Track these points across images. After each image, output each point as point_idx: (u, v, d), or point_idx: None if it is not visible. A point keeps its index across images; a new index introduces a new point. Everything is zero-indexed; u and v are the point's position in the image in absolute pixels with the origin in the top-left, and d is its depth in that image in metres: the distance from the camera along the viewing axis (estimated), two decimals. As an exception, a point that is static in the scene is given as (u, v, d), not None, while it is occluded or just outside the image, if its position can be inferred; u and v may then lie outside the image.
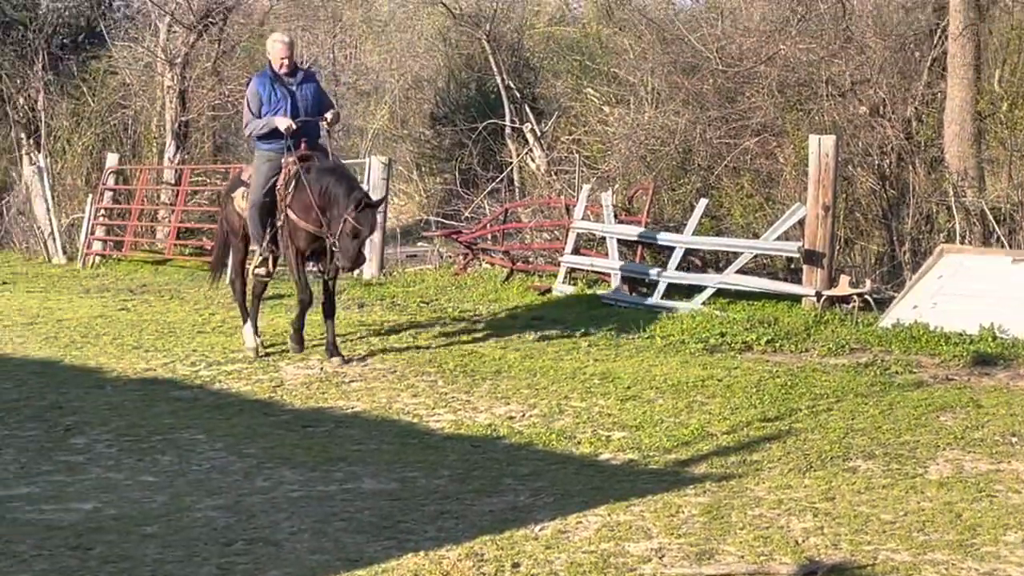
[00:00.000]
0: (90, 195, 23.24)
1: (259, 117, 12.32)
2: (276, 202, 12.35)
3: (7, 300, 17.38)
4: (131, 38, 26.83)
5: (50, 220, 23.72)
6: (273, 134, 12.29)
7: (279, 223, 12.37)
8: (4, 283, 19.72)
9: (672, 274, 14.89)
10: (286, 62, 12.40)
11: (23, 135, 27.83)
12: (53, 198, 24.05)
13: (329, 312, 12.49)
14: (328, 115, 12.46)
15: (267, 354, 12.63)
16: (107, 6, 28.62)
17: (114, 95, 26.28)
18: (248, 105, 12.54)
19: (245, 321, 13.15)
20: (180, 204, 22.27)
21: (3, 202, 26.40)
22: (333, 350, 12.33)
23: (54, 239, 23.54)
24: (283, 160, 12.30)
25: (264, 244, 12.55)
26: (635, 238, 15.62)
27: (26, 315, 15.81)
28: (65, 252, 23.33)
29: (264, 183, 12.39)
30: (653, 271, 15.20)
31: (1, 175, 29.02)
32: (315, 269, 13.01)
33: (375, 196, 18.79)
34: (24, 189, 25.13)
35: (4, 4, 28.27)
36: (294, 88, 12.36)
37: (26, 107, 27.87)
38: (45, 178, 24.11)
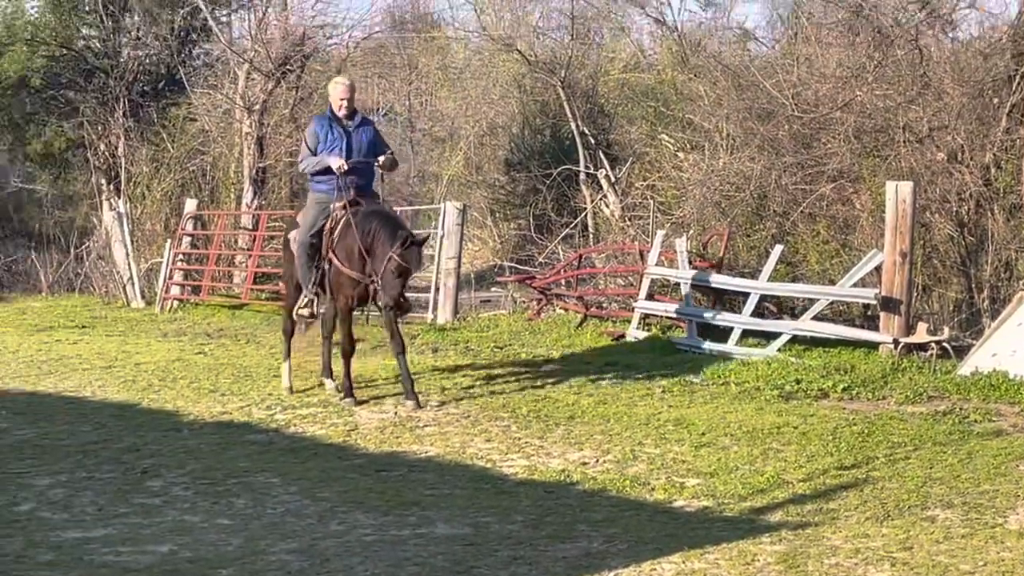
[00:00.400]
0: (168, 240, 23.49)
1: (314, 152, 12.60)
2: (322, 245, 12.57)
3: (86, 344, 17.59)
4: (210, 85, 27.18)
5: (129, 265, 23.99)
6: (326, 173, 12.53)
7: (326, 266, 12.58)
8: (83, 327, 19.96)
9: (747, 320, 14.81)
10: (345, 103, 12.69)
11: (103, 181, 28.22)
12: (132, 243, 24.34)
13: (399, 349, 12.42)
14: (381, 158, 12.59)
15: (360, 400, 12.65)
16: (187, 54, 29.05)
17: (193, 141, 26.60)
18: (305, 143, 12.88)
19: (285, 359, 13.40)
20: (257, 249, 22.47)
21: (83, 247, 26.76)
22: (409, 393, 12.26)
23: (133, 284, 23.79)
24: (332, 205, 12.52)
25: (310, 285, 12.74)
26: (710, 284, 15.56)
27: (105, 359, 15.99)
28: (143, 296, 23.57)
29: (312, 224, 12.63)
30: (728, 317, 15.12)
31: (82, 220, 29.44)
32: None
33: (449, 243, 18.97)
34: (104, 234, 25.45)
35: (86, 52, 28.77)
36: (351, 130, 12.64)
37: (107, 153, 28.29)
38: (125, 223, 24.41)
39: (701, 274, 15.60)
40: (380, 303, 12.20)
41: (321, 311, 13.24)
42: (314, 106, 26.51)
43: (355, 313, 13.56)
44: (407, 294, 12.66)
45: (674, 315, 15.77)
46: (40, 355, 16.59)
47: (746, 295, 15.12)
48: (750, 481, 9.09)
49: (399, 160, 13.76)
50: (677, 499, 8.77)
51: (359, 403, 12.41)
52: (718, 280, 15.43)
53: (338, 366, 12.99)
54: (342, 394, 12.65)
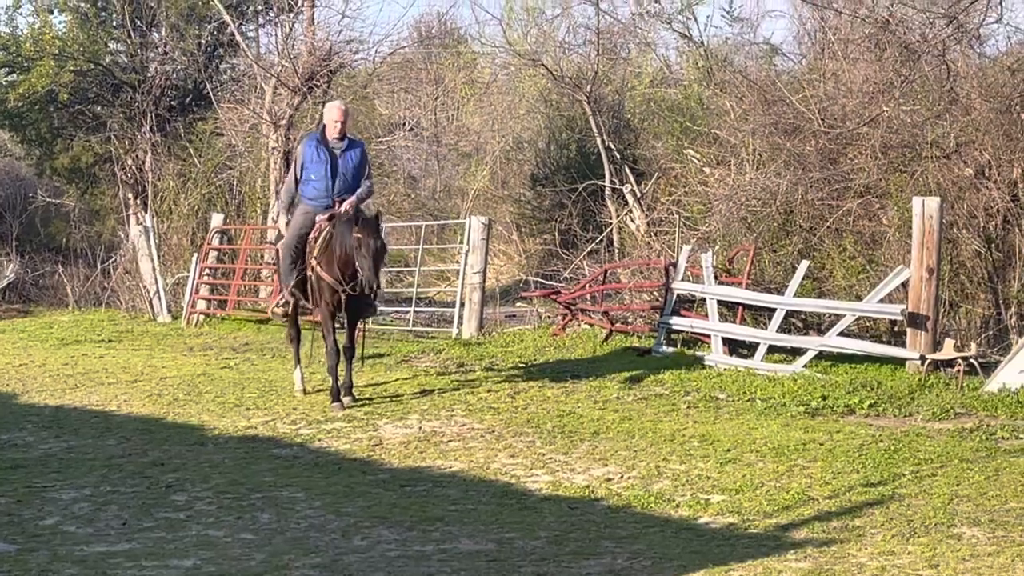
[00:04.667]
0: (195, 255, 23.55)
1: (300, 176, 13.36)
2: (306, 252, 13.27)
3: (112, 358, 17.65)
4: (237, 100, 27.25)
5: (155, 279, 24.06)
6: (316, 190, 13.24)
7: (309, 273, 13.27)
8: (110, 341, 20.03)
9: (773, 336, 14.76)
10: (339, 126, 13.29)
11: (130, 195, 28.35)
12: (159, 257, 24.41)
13: (348, 355, 13.30)
14: (347, 204, 13.10)
15: (361, 406, 12.69)
16: (214, 69, 29.17)
17: (219, 156, 26.70)
18: (293, 163, 13.64)
19: (296, 365, 14.19)
20: (283, 264, 22.49)
21: (110, 261, 26.85)
22: (346, 390, 13.21)
23: (159, 298, 23.86)
24: (317, 217, 13.21)
25: (289, 285, 13.54)
26: (735, 299, 15.52)
27: (130, 372, 16.04)
28: (170, 311, 23.63)
29: (298, 231, 13.35)
30: (754, 333, 15.07)
31: (109, 235, 29.57)
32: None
33: (474, 257, 18.99)
34: (131, 248, 25.53)
35: (114, 67, 28.91)
36: (338, 153, 13.26)
37: (134, 168, 28.42)
38: (151, 238, 24.49)
39: (726, 289, 15.56)
40: (362, 283, 12.76)
41: (308, 319, 14.26)
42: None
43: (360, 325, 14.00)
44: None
45: (700, 330, 15.73)
46: (66, 369, 16.66)
47: (772, 311, 15.07)
48: (776, 498, 9.05)
49: (373, 190, 14.36)
50: (702, 516, 8.74)
51: (345, 408, 12.94)
52: (744, 295, 15.38)
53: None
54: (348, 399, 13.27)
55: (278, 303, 14.02)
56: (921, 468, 9.86)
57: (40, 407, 13.75)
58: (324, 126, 13.42)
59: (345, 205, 13.02)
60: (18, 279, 28.95)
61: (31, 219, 32.18)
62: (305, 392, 13.91)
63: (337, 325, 13.55)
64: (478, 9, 70.23)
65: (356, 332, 13.56)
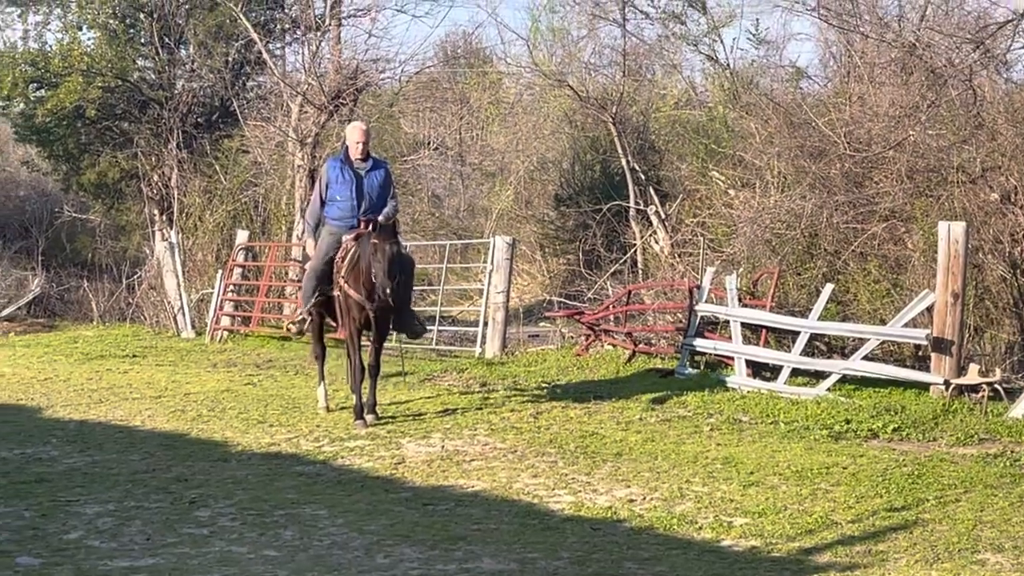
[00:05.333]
0: (220, 271, 23.63)
1: (324, 196, 13.40)
2: (332, 273, 13.32)
3: (136, 373, 17.71)
4: (263, 118, 27.35)
5: (180, 295, 24.14)
6: (341, 210, 13.29)
7: (336, 293, 13.29)
8: (134, 356, 20.10)
9: (797, 359, 14.74)
10: (360, 147, 13.34)
11: (156, 211, 28.47)
12: (183, 273, 24.50)
13: (373, 373, 13.36)
14: (381, 215, 13.18)
15: (384, 425, 12.71)
16: (241, 86, 29.28)
17: (245, 173, 26.80)
18: (318, 184, 13.64)
19: (320, 382, 14.25)
20: (307, 281, 22.52)
21: (135, 277, 26.95)
22: (370, 408, 13.27)
23: (183, 314, 23.94)
24: (344, 238, 13.27)
25: (308, 304, 13.65)
26: (759, 322, 15.50)
27: (155, 388, 16.09)
28: (194, 327, 23.70)
29: (325, 253, 13.41)
30: (778, 355, 15.05)
31: (134, 250, 29.68)
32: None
33: (498, 277, 19.01)
34: (156, 264, 25.63)
35: (141, 84, 29.05)
36: (362, 173, 13.32)
37: (160, 184, 28.54)
38: (176, 254, 24.58)
39: (750, 311, 15.55)
40: (380, 294, 12.73)
41: (334, 336, 14.27)
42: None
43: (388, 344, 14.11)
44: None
45: (723, 352, 15.72)
46: (91, 384, 16.72)
47: (796, 333, 15.05)
48: (799, 521, 9.03)
49: (399, 208, 14.38)
50: (725, 538, 8.73)
51: (368, 426, 12.98)
52: (768, 318, 15.37)
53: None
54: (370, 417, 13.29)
55: (294, 320, 14.11)
56: (945, 493, 9.83)
57: (65, 421, 13.81)
58: (347, 147, 13.47)
59: (379, 220, 13.05)
60: (44, 293, 29.07)
61: (57, 234, 32.32)
62: (328, 409, 13.96)
63: (364, 343, 13.61)
64: (504, 29, 70.68)
65: (382, 350, 13.59)
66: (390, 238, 12.76)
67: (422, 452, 11.75)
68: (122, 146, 29.28)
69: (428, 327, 17.81)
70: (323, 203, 13.46)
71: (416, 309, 14.66)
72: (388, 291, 12.58)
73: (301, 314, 13.92)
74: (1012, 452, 11.27)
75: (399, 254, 12.90)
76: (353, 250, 13.05)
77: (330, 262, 13.32)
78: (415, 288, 15.31)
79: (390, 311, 13.11)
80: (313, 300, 13.54)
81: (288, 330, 14.54)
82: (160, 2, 28.65)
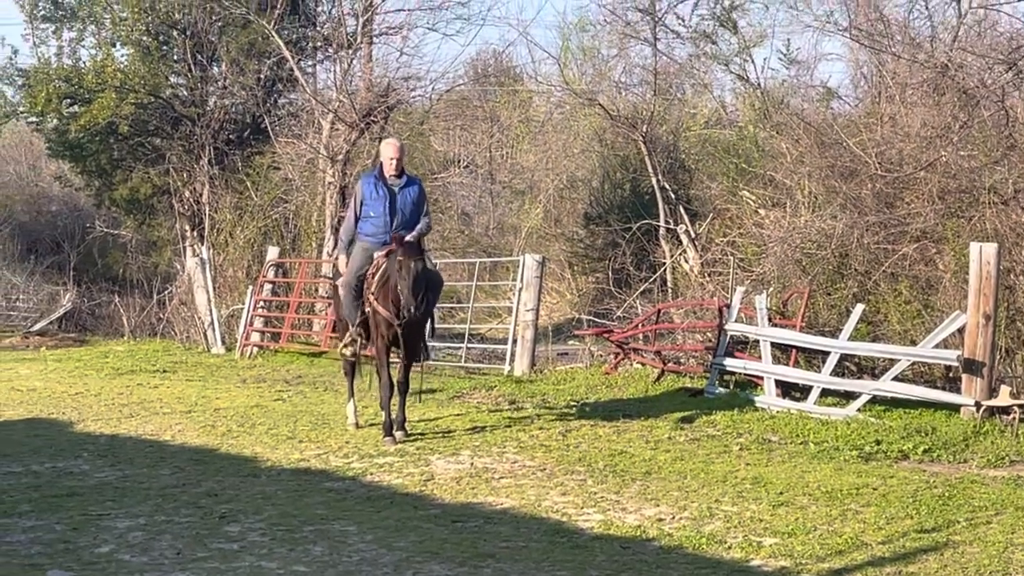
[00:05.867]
0: (250, 287, 23.71)
1: (359, 212, 13.44)
2: (364, 289, 13.35)
3: (167, 388, 17.79)
4: (295, 135, 27.50)
5: (210, 311, 24.25)
6: (374, 226, 13.31)
7: (367, 309, 13.35)
8: (164, 372, 20.19)
9: (827, 379, 14.70)
10: (394, 162, 13.40)
11: (187, 227, 28.63)
12: (214, 289, 24.61)
13: (402, 390, 13.33)
14: (414, 232, 13.21)
15: (413, 441, 12.73)
16: (272, 103, 29.42)
17: (276, 190, 26.91)
18: (353, 200, 13.69)
19: (349, 398, 14.30)
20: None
21: (166, 292, 27.09)
22: (399, 425, 13.26)
23: (214, 329, 24.03)
24: (376, 254, 13.28)
25: (354, 324, 13.62)
26: (789, 342, 15.47)
27: (185, 403, 16.16)
28: (224, 342, 23.79)
29: (357, 269, 13.43)
30: (808, 376, 15.02)
31: (165, 266, 29.85)
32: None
33: (527, 294, 19.02)
34: (186, 280, 25.77)
35: (174, 100, 29.22)
36: (396, 190, 13.34)
37: (191, 200, 28.70)
38: (207, 270, 24.70)
39: (779, 331, 15.52)
40: (404, 313, 12.77)
41: (364, 353, 14.01)
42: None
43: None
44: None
45: (753, 372, 15.69)
46: (121, 398, 16.81)
47: (826, 354, 15.02)
48: (828, 542, 9.00)
49: (432, 226, 14.61)
50: (754, 558, 8.71)
51: (397, 443, 13.00)
52: (798, 338, 15.33)
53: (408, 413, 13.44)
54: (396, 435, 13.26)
55: (346, 343, 13.93)
56: (976, 515, 9.79)
57: (96, 436, 13.88)
58: (382, 163, 13.52)
59: (409, 238, 13.03)
60: (75, 308, 29.28)
61: (89, 249, 32.55)
62: (358, 426, 14.01)
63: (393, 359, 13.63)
64: (535, 48, 70.87)
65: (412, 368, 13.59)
66: (415, 255, 12.77)
67: (451, 469, 11.76)
68: (154, 162, 29.47)
69: (457, 344, 17.79)
70: (357, 219, 13.49)
71: (445, 326, 14.72)
72: (413, 309, 12.61)
73: (350, 335, 13.83)
74: (1043, 474, 11.21)
75: (425, 271, 12.91)
76: (383, 267, 13.08)
77: (362, 278, 13.36)
78: (441, 305, 15.30)
79: (419, 328, 13.16)
80: (358, 318, 13.53)
81: (342, 355, 14.43)
82: (193, 19, 28.83)
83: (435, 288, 13.54)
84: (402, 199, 13.31)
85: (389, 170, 13.37)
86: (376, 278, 13.16)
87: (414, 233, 13.14)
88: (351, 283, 13.45)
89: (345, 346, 13.97)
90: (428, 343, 14.23)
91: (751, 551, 8.86)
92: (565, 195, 32.56)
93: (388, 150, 13.53)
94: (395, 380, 13.33)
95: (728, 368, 16.05)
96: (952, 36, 20.14)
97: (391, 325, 13.03)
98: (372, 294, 13.18)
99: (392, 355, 13.59)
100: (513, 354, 19.29)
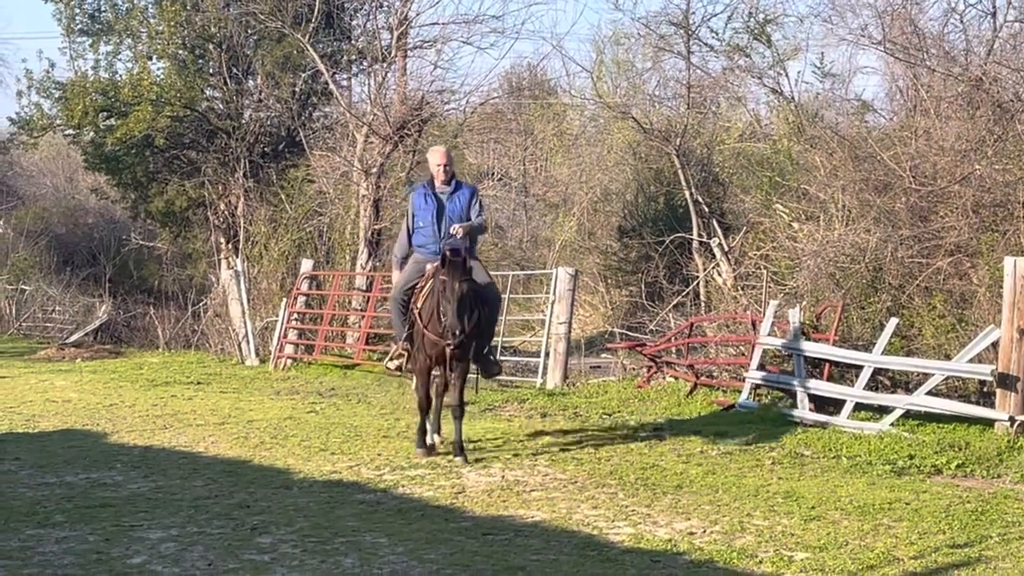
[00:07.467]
0: (284, 299, 23.80)
1: (412, 227, 13.18)
2: (410, 303, 13.07)
3: (201, 400, 17.86)
4: (329, 148, 27.60)
5: (245, 323, 24.34)
6: (424, 236, 13.07)
7: (413, 322, 13.05)
8: (198, 383, 20.27)
9: (860, 393, 14.65)
10: (442, 169, 13.15)
11: (222, 239, 28.78)
12: (248, 301, 24.70)
13: (457, 414, 12.96)
14: (457, 225, 12.89)
15: (445, 454, 12.75)
16: (307, 116, 29.58)
17: (311, 202, 27.02)
18: (406, 216, 13.43)
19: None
20: (370, 310, 22.68)
21: (200, 304, 27.21)
22: (458, 450, 12.84)
23: (248, 341, 24.12)
24: (427, 266, 12.96)
25: (402, 339, 13.29)
26: (822, 356, 15.43)
27: (218, 415, 16.22)
28: (258, 354, 23.88)
29: (406, 282, 13.17)
30: (841, 390, 14.97)
31: (200, 278, 30.00)
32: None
33: (560, 307, 19.02)
34: (221, 292, 25.89)
35: (209, 113, 29.40)
36: (444, 198, 13.09)
37: (226, 212, 28.86)
38: (242, 282, 24.80)
39: (813, 345, 15.48)
40: (447, 335, 12.40)
41: (410, 367, 13.57)
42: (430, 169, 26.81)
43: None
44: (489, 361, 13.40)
45: (785, 386, 15.64)
46: (156, 410, 16.89)
47: (859, 368, 14.97)
48: (860, 557, 8.97)
49: (487, 226, 14.25)
50: (785, 572, 8.68)
51: (430, 455, 12.94)
52: (831, 352, 15.29)
53: (448, 427, 13.35)
54: (453, 453, 12.93)
55: (391, 357, 13.60)
56: (1009, 531, 9.73)
57: (129, 447, 13.95)
58: (432, 173, 13.31)
59: (457, 226, 12.79)
60: (110, 320, 29.44)
61: (125, 261, 32.75)
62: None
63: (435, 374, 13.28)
64: (568, 61, 70.97)
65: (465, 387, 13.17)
66: (460, 273, 12.30)
67: (482, 482, 11.76)
68: (190, 175, 29.66)
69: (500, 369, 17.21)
70: (410, 234, 13.21)
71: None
72: (457, 331, 12.22)
73: (397, 350, 13.46)
74: (1078, 490, 11.14)
75: (471, 291, 12.42)
76: (432, 281, 12.72)
77: (410, 290, 13.06)
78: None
79: (466, 349, 12.71)
80: (405, 332, 13.19)
81: (387, 368, 14.14)
82: (229, 33, 29.01)
83: (490, 304, 13.06)
84: (451, 206, 13.01)
85: (439, 177, 13.10)
86: (424, 292, 12.82)
87: (467, 224, 12.86)
88: (398, 297, 13.21)
89: (391, 359, 13.62)
90: (494, 357, 13.76)
91: (782, 565, 8.83)
92: (599, 208, 32.58)
93: (435, 157, 13.28)
94: (444, 401, 13.22)
95: (761, 382, 16.02)
96: (987, 50, 20.05)
97: (436, 344, 12.63)
98: (418, 309, 12.86)
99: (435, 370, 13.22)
100: (546, 367, 19.30)
